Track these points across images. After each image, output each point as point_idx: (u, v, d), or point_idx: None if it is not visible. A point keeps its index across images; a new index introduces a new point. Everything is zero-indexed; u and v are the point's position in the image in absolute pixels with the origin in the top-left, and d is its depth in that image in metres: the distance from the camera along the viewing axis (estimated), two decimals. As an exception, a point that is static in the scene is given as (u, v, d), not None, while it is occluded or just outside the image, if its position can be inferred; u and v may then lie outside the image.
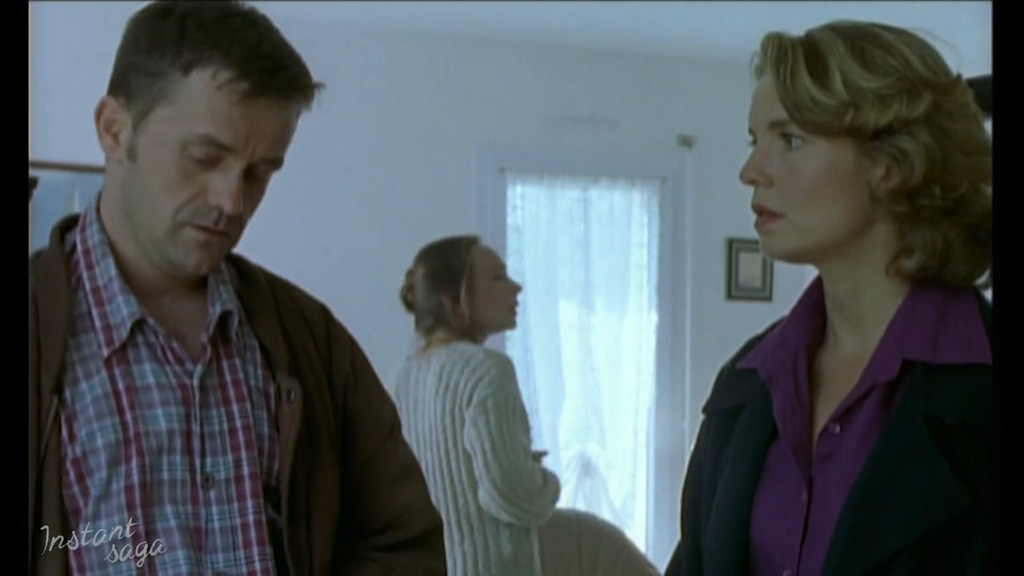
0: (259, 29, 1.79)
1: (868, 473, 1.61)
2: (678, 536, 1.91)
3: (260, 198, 1.85)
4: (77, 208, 5.40)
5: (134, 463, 1.75)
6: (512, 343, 6.47)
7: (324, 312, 2.02)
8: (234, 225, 1.81)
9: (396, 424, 2.03)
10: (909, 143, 1.64)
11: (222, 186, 1.77)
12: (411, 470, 2.02)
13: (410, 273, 4.17)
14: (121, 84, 1.80)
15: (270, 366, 1.88)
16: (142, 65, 1.78)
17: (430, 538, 2.00)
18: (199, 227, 1.78)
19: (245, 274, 1.95)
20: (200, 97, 1.75)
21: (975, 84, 1.70)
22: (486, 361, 3.85)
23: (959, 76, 1.68)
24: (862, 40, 1.66)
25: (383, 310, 6.14)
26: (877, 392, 1.66)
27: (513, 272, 6.54)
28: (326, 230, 5.91)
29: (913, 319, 1.67)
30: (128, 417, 1.77)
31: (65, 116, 5.40)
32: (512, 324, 4.16)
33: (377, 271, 6.12)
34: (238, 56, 1.75)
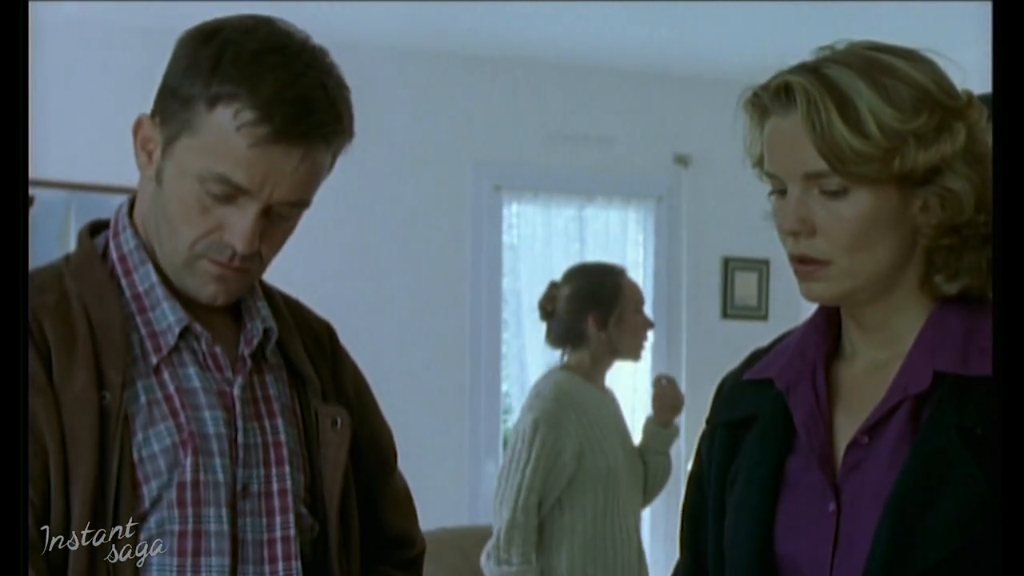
0: (297, 67, 1.75)
1: (904, 484, 1.61)
2: (672, 550, 1.90)
3: (285, 237, 1.84)
4: (73, 226, 5.44)
5: (188, 461, 1.76)
6: (508, 361, 6.47)
7: (330, 333, 2.02)
8: (252, 261, 1.80)
9: (393, 453, 2.05)
10: (955, 181, 1.64)
11: (237, 225, 1.76)
12: (403, 503, 2.05)
13: (554, 286, 4.28)
14: (158, 104, 1.80)
15: (295, 386, 1.90)
16: (176, 90, 1.77)
17: (420, 560, 2.06)
18: (215, 262, 1.78)
19: (266, 295, 1.95)
20: (220, 135, 1.73)
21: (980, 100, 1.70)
22: (535, 403, 4.07)
23: (971, 95, 1.68)
24: (880, 75, 1.64)
25: (377, 326, 6.15)
26: (906, 404, 1.66)
27: (508, 291, 6.59)
28: (321, 246, 5.90)
29: (942, 332, 1.67)
30: (182, 418, 1.78)
31: (61, 135, 5.41)
32: (638, 356, 4.29)
33: (372, 288, 6.13)
34: (263, 97, 1.72)
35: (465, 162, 6.38)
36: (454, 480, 6.17)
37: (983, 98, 1.70)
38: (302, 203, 1.81)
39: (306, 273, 6.12)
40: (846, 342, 1.77)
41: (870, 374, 1.72)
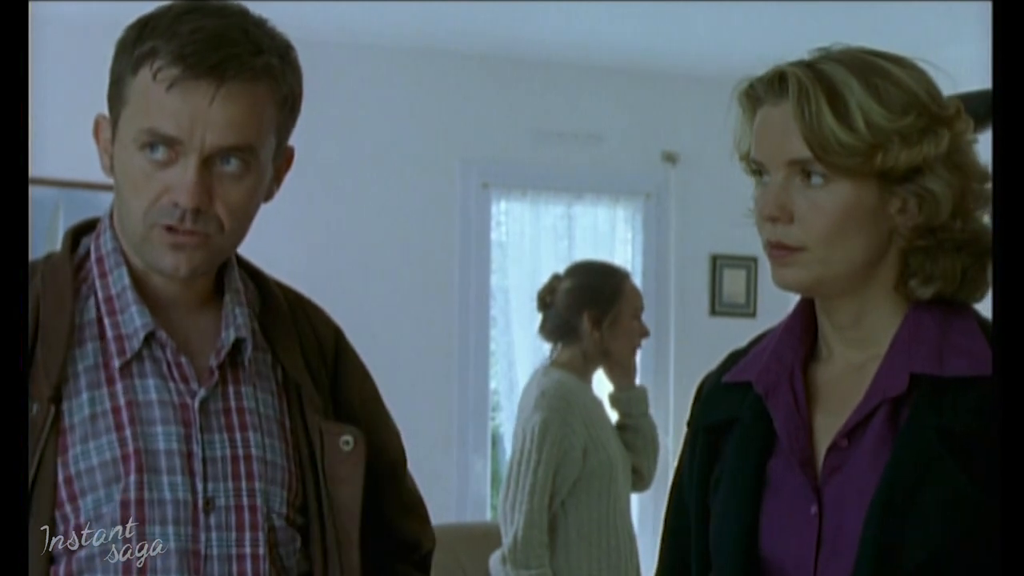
0: (212, 16, 1.75)
1: (886, 486, 1.64)
2: (655, 542, 1.91)
3: (244, 200, 1.78)
4: (62, 224, 5.43)
5: (132, 479, 1.73)
6: (496, 359, 6.48)
7: (337, 337, 1.98)
8: (208, 224, 1.75)
9: (401, 460, 2.02)
10: (934, 183, 1.67)
11: (178, 180, 1.73)
12: (413, 508, 2.03)
13: (556, 279, 4.24)
14: (107, 99, 1.81)
15: (289, 398, 1.86)
16: (112, 75, 1.79)
17: (429, 558, 2.04)
18: (167, 228, 1.74)
19: (266, 296, 1.92)
20: (144, 91, 1.74)
21: (966, 100, 1.73)
22: (541, 402, 4.01)
23: (959, 106, 1.71)
24: (873, 76, 1.68)
25: (365, 324, 6.13)
26: (884, 406, 1.68)
27: (496, 288, 6.60)
28: (310, 244, 5.91)
29: (917, 334, 1.70)
30: (127, 433, 1.75)
31: (50, 132, 5.40)
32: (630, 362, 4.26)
33: (359, 285, 6.13)
34: (176, 43, 1.72)
35: (453, 159, 6.38)
36: (442, 477, 6.17)
37: (977, 94, 1.72)
38: (241, 149, 1.75)
39: (292, 270, 6.11)
40: (822, 345, 1.79)
41: (847, 376, 1.74)
